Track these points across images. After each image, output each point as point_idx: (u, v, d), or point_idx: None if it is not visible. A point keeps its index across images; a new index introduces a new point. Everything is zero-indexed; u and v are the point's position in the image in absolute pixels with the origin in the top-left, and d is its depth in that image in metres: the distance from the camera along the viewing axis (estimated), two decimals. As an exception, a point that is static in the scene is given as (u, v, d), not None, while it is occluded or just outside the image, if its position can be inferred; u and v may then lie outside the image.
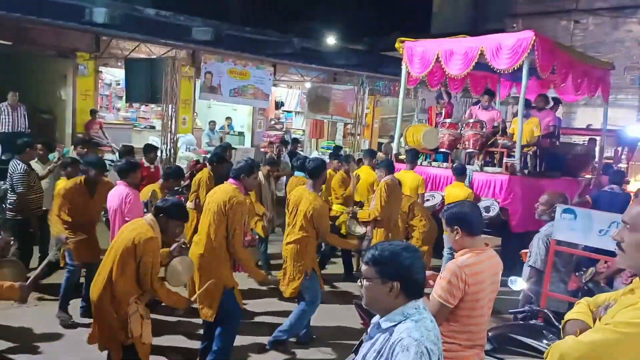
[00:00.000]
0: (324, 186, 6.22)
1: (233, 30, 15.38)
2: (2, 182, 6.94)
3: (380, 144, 17.70)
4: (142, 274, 3.67)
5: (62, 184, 5.99)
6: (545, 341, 3.46)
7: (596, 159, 10.07)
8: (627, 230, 2.02)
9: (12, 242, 5.41)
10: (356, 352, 3.05)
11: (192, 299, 4.13)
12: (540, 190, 5.81)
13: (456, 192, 7.27)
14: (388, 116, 19.16)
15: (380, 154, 11.05)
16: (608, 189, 7.57)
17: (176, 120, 11.30)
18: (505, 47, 7.64)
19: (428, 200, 7.91)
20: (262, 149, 14.53)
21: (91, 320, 3.95)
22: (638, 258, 1.99)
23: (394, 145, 9.67)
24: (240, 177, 4.64)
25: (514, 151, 7.97)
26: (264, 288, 6.73)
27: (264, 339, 5.32)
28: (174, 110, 11.06)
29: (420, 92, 14.79)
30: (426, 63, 8.62)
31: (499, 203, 7.61)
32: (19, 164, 6.41)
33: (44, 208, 6.76)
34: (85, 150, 8.17)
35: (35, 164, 6.89)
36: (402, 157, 8.79)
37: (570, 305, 2.98)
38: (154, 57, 12.32)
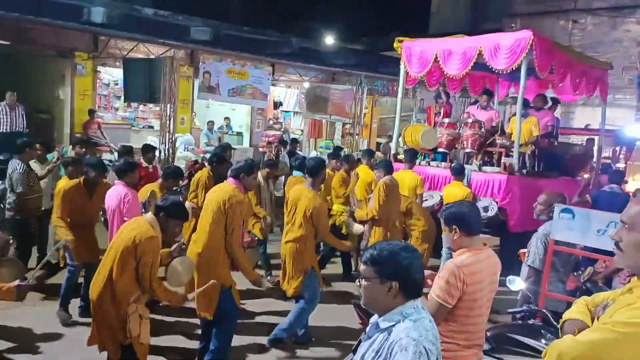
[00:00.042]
0: (322, 185, 6.23)
1: (231, 30, 15.40)
2: (0, 182, 6.94)
3: (378, 143, 17.71)
4: (141, 273, 3.67)
5: (62, 183, 5.99)
6: (543, 341, 3.46)
7: (594, 159, 10.08)
8: (626, 230, 2.02)
9: (11, 242, 5.42)
10: (355, 351, 3.05)
11: (190, 297, 4.13)
12: (539, 190, 5.81)
13: (455, 191, 7.27)
14: (386, 116, 19.18)
15: (378, 154, 11.06)
16: (608, 188, 7.59)
17: (174, 120, 11.30)
18: (504, 47, 7.65)
19: (427, 200, 7.91)
20: (261, 149, 14.52)
21: (90, 320, 3.95)
22: (636, 258, 1.99)
23: (393, 145, 9.68)
24: (240, 177, 4.65)
25: (512, 151, 7.99)
26: (262, 288, 6.72)
27: (263, 339, 5.32)
28: (172, 110, 11.06)
29: (419, 91, 14.79)
30: (425, 63, 8.62)
31: (497, 203, 7.62)
32: (18, 164, 6.40)
33: (43, 208, 6.76)
34: (84, 150, 8.17)
35: (33, 164, 6.88)
36: (401, 156, 8.78)
37: (569, 305, 2.98)
38: (153, 57, 12.32)
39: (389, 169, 6.78)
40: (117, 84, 13.81)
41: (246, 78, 13.50)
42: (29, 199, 6.49)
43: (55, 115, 12.73)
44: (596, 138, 10.77)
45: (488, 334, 3.37)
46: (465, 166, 7.97)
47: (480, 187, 7.97)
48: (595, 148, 10.52)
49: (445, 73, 8.59)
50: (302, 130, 17.98)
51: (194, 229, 5.15)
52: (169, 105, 10.94)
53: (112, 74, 13.77)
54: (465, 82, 10.13)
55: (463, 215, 3.05)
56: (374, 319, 2.21)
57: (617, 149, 12.26)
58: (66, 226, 5.35)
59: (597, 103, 11.10)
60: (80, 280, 5.76)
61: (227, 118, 16.37)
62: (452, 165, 7.91)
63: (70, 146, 8.95)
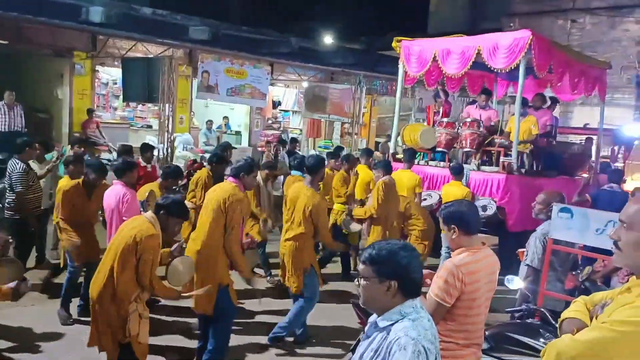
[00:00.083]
0: (321, 184, 6.23)
1: (230, 30, 15.38)
2: (-1, 181, 6.94)
3: (377, 143, 17.69)
4: (141, 271, 3.67)
5: (63, 183, 5.99)
6: (542, 340, 3.46)
7: (593, 158, 10.09)
8: (624, 229, 2.02)
9: (10, 241, 5.41)
10: (353, 351, 3.05)
11: (187, 295, 4.14)
12: (537, 189, 5.82)
13: (453, 191, 7.28)
14: (385, 115, 19.18)
15: (377, 153, 11.05)
16: (607, 187, 7.60)
17: (173, 120, 11.30)
18: (502, 46, 7.66)
19: (425, 199, 7.92)
20: (260, 149, 14.50)
21: (90, 319, 3.95)
22: (635, 257, 1.99)
23: (391, 144, 9.68)
24: (239, 176, 4.66)
25: (511, 150, 7.99)
26: (262, 287, 6.73)
27: (262, 338, 5.33)
28: (171, 109, 11.06)
29: (418, 91, 14.80)
30: (423, 62, 8.62)
31: (496, 202, 7.63)
32: (17, 164, 6.39)
33: (42, 207, 6.75)
34: (82, 149, 8.15)
35: (32, 164, 6.87)
36: (400, 156, 8.79)
37: (567, 304, 2.98)
38: (151, 56, 12.30)
39: (388, 169, 6.79)
40: (115, 84, 13.82)
41: (245, 77, 13.49)
42: (28, 199, 6.48)
43: (54, 115, 12.72)
44: (595, 137, 10.78)
45: (487, 333, 3.37)
46: (464, 165, 7.99)
47: (479, 186, 7.98)
48: (594, 147, 10.53)
49: (444, 72, 8.60)
50: (300, 130, 17.97)
51: (193, 228, 5.15)
52: (167, 105, 10.94)
53: (111, 74, 13.76)
54: (464, 82, 10.13)
55: (462, 215, 3.04)
56: (372, 318, 2.21)
57: (616, 148, 12.28)
58: (70, 227, 5.39)
59: (596, 102, 11.13)
60: (80, 279, 5.76)
61: (225, 117, 16.35)
62: (451, 164, 7.92)
63: (69, 146, 8.92)
